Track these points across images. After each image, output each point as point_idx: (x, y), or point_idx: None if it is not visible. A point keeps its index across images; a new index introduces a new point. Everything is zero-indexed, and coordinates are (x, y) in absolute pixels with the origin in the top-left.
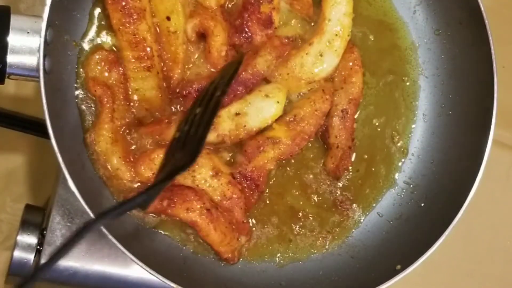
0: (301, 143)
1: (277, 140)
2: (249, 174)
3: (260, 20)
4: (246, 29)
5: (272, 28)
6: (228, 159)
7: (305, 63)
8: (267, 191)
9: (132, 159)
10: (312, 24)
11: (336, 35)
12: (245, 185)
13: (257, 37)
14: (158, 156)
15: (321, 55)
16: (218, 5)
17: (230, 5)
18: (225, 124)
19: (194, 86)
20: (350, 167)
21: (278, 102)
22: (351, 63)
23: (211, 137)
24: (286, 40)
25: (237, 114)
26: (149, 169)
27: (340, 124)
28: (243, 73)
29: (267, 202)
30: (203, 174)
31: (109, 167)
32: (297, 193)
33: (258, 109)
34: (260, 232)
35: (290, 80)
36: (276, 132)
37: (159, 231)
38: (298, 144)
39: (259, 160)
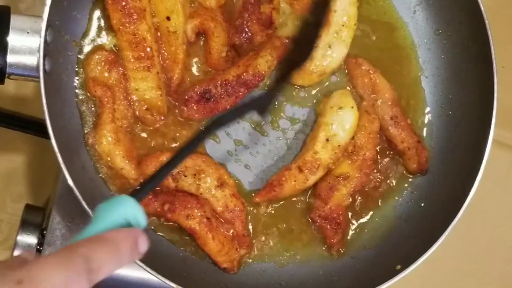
0: (368, 171)
1: (346, 176)
2: (329, 215)
3: (260, 20)
4: (246, 29)
5: (272, 28)
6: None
7: (315, 56)
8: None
9: (135, 157)
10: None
11: (343, 25)
12: (328, 226)
13: (257, 37)
14: (167, 159)
15: (329, 47)
16: (218, 5)
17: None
18: (324, 156)
19: (195, 89)
20: None
21: (352, 107)
22: (365, 74)
23: (320, 172)
24: (287, 41)
25: (327, 140)
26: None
27: (397, 130)
28: (244, 74)
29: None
30: (209, 183)
31: (113, 167)
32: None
33: (341, 124)
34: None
35: (302, 74)
36: (342, 168)
37: (159, 233)
38: (366, 173)
39: (334, 200)
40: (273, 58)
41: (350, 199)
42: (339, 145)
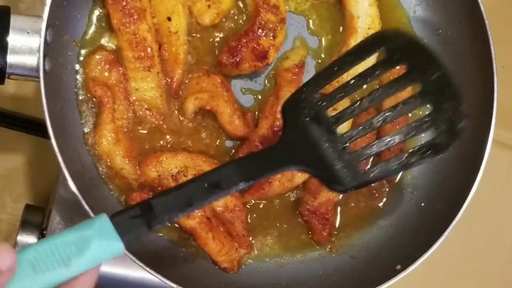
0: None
1: None
2: (317, 209)
3: (255, 51)
4: (238, 54)
5: (264, 63)
6: None
7: None
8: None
9: (135, 157)
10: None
11: (369, 28)
12: (316, 221)
13: (246, 64)
14: (167, 159)
15: None
16: (212, 24)
17: (232, 25)
18: None
19: (239, 156)
20: None
21: None
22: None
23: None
24: (297, 69)
25: None
26: (155, 170)
27: (390, 128)
28: (277, 122)
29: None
30: None
31: (113, 167)
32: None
33: None
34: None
35: None
36: None
37: (159, 233)
38: None
39: (324, 195)
40: (292, 92)
41: (340, 196)
42: None
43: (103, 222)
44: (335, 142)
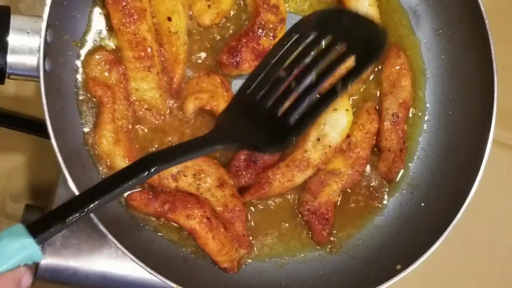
0: (360, 169)
1: (338, 172)
2: (317, 209)
3: (255, 51)
4: (238, 54)
5: None
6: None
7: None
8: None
9: (135, 157)
10: None
11: None
12: (316, 221)
13: (245, 64)
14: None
15: None
16: (212, 24)
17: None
18: (314, 155)
19: (240, 157)
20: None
21: (346, 110)
22: (398, 67)
23: (308, 172)
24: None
25: (318, 139)
26: None
27: (391, 128)
28: None
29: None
30: (209, 183)
31: (113, 167)
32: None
33: (333, 125)
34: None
35: None
36: (335, 164)
37: (159, 233)
38: (358, 171)
39: (324, 195)
40: None
41: (340, 196)
42: (330, 146)
43: (16, 227)
44: (264, 113)
